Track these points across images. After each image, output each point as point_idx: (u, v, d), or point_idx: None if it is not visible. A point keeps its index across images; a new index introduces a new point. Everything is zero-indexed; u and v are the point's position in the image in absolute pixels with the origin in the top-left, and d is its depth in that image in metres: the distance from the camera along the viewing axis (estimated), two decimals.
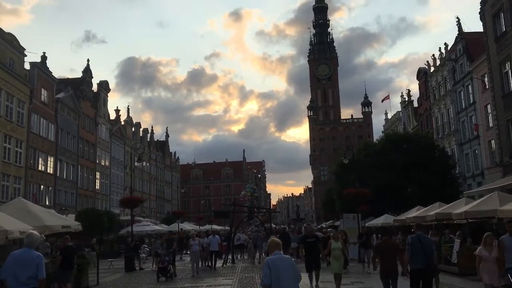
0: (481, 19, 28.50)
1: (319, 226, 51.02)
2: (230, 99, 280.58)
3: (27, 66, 33.27)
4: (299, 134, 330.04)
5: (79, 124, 41.30)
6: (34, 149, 33.22)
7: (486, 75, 30.98)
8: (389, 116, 65.56)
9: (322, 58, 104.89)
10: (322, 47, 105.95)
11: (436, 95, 43.15)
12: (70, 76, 45.49)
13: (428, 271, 8.52)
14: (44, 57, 35.31)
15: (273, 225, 38.12)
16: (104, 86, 48.63)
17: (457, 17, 38.42)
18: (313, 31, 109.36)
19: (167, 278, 16.29)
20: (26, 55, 32.59)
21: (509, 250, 8.29)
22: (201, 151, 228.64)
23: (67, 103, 39.05)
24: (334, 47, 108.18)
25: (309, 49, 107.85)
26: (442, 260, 15.25)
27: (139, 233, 32.57)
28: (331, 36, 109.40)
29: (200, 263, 19.16)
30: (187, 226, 44.67)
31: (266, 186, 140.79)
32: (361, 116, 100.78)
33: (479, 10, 28.39)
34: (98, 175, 45.43)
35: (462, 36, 37.21)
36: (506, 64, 25.99)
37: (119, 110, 53.06)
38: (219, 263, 21.12)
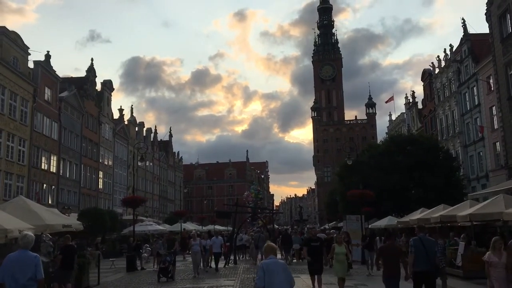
0: (487, 20, 28.32)
1: (322, 228, 50.81)
2: (234, 99, 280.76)
3: (31, 64, 33.28)
4: (303, 135, 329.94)
5: (83, 123, 41.29)
6: (37, 148, 33.21)
7: (491, 77, 30.78)
8: (393, 118, 65.39)
9: (327, 59, 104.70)
10: (327, 48, 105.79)
11: (440, 96, 42.94)
12: (75, 76, 45.48)
13: (431, 273, 8.50)
14: (48, 56, 35.33)
15: (276, 226, 38.04)
16: (107, 85, 48.63)
17: (463, 18, 38.29)
18: (318, 32, 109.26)
19: (168, 278, 16.19)
20: (30, 54, 32.59)
21: None
22: (204, 151, 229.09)
23: (71, 102, 39.04)
24: (339, 48, 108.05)
25: (313, 50, 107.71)
26: (448, 263, 15.07)
27: (142, 232, 32.51)
28: (335, 37, 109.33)
29: (201, 264, 19.04)
30: (190, 226, 44.56)
31: (269, 187, 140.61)
32: (365, 118, 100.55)
33: (485, 11, 28.22)
34: (101, 174, 45.42)
35: (468, 37, 37.01)
36: None
37: (123, 109, 53.21)
38: (220, 264, 20.93)
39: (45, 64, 34.69)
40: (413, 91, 53.72)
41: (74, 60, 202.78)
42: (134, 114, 57.95)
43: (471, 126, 36.79)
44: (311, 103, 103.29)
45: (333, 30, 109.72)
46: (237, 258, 24.86)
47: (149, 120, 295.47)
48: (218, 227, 50.19)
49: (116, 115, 51.46)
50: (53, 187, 35.60)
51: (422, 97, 50.16)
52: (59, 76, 37.35)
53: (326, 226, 53.32)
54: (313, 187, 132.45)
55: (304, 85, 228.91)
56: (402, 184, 30.72)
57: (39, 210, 12.92)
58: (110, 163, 48.19)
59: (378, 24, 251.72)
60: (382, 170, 31.54)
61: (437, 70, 43.53)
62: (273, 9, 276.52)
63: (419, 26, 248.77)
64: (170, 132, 76.50)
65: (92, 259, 16.46)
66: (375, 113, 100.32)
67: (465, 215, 15.00)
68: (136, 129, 58.51)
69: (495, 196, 16.65)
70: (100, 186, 45.19)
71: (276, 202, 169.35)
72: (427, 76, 46.84)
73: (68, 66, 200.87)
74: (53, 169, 35.62)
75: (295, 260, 24.19)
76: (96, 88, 45.96)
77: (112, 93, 50.18)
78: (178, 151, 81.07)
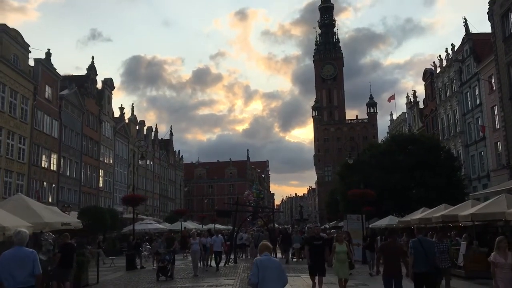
0: (489, 19, 28.20)
1: (322, 227, 50.74)
2: (235, 98, 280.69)
3: (31, 62, 33.19)
4: (304, 134, 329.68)
5: (83, 121, 41.21)
6: (38, 146, 33.14)
7: (493, 76, 30.66)
8: (394, 117, 65.26)
9: (328, 58, 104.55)
10: (328, 47, 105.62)
11: (442, 96, 42.81)
12: (75, 74, 45.42)
13: (431, 274, 8.53)
14: (48, 54, 35.23)
15: (276, 225, 38.00)
16: (108, 83, 48.54)
17: (464, 18, 38.02)
18: (319, 31, 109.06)
19: (167, 277, 16.08)
20: (30, 52, 32.53)
21: None
22: (205, 151, 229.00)
23: (71, 100, 38.96)
24: (340, 47, 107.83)
25: (315, 49, 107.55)
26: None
27: (142, 231, 32.44)
28: (336, 36, 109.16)
29: (201, 263, 18.96)
30: (190, 225, 44.51)
31: (269, 186, 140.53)
32: (366, 117, 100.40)
33: (487, 10, 28.11)
34: (101, 172, 45.34)
35: (469, 36, 36.86)
36: None
37: (123, 108, 53.04)
38: (221, 263, 20.83)
39: (45, 62, 34.60)
40: (414, 90, 53.48)
41: (75, 59, 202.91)
42: (135, 113, 57.97)
43: (472, 125, 36.67)
44: (312, 103, 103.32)
45: (334, 29, 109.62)
46: (237, 257, 24.77)
47: (150, 119, 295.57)
48: (218, 226, 50.11)
49: (116, 113, 51.43)
50: (53, 185, 35.54)
51: (424, 97, 50.09)
52: (59, 74, 37.26)
53: (327, 226, 53.23)
54: (314, 186, 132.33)
55: (305, 85, 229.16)
56: (403, 183, 30.62)
57: (38, 208, 12.82)
58: (111, 161, 48.12)
59: (379, 24, 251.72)
60: (383, 169, 31.44)
61: (438, 70, 43.40)
62: (274, 8, 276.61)
63: (420, 25, 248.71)
64: (171, 131, 76.47)
65: (91, 258, 16.34)
66: (376, 113, 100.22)
67: (467, 215, 14.90)
68: (137, 127, 58.44)
69: (496, 196, 16.54)
70: (101, 184, 45.12)
71: (277, 202, 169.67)
72: (428, 76, 46.71)
73: (69, 65, 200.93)
74: (53, 167, 35.54)
75: (295, 259, 24.11)
76: (97, 86, 45.87)
77: (113, 92, 50.10)
78: (179, 150, 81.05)
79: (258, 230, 26.85)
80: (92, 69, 44.22)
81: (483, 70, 33.67)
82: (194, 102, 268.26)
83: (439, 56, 43.01)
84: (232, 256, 23.25)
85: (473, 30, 37.19)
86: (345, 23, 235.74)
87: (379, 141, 63.32)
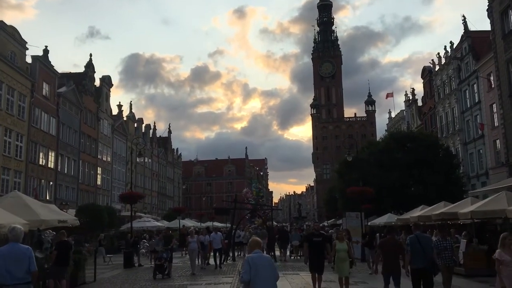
0: (488, 16, 28.10)
1: (321, 225, 50.67)
2: (233, 96, 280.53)
3: (28, 59, 32.99)
4: (302, 132, 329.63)
5: (81, 118, 41.03)
6: (35, 143, 32.97)
7: (492, 74, 30.59)
8: (393, 115, 65.20)
9: (326, 56, 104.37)
10: (326, 45, 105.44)
11: (440, 94, 42.76)
12: (73, 72, 45.11)
13: (428, 270, 8.62)
14: (46, 51, 34.98)
15: (275, 223, 37.93)
16: (106, 81, 48.34)
17: (463, 16, 38.08)
18: (317, 29, 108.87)
19: (164, 275, 15.97)
20: (27, 48, 32.27)
21: None
22: (203, 148, 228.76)
23: (69, 97, 38.78)
24: (338, 45, 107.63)
25: (313, 47, 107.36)
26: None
27: (140, 229, 32.32)
28: (335, 34, 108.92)
29: (199, 261, 18.82)
30: (189, 222, 44.43)
31: (268, 184, 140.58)
32: (365, 115, 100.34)
33: (487, 7, 27.99)
34: (99, 170, 45.19)
35: (468, 34, 36.79)
36: None
37: (122, 105, 52.85)
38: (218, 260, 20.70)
39: (43, 59, 34.39)
40: (413, 88, 53.64)
41: (73, 57, 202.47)
42: (133, 111, 57.74)
43: (471, 123, 36.62)
44: (310, 101, 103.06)
45: (333, 28, 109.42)
46: (236, 255, 24.68)
47: (148, 117, 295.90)
48: (216, 223, 49.96)
49: (115, 111, 51.25)
50: (51, 183, 35.39)
51: (422, 95, 50.00)
52: (57, 71, 37.03)
53: (325, 223, 53.23)
54: (312, 184, 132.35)
55: (303, 83, 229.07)
56: (401, 181, 30.60)
57: (34, 205, 12.70)
58: (109, 159, 47.97)
59: (378, 22, 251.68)
60: (382, 167, 31.41)
61: (437, 68, 43.32)
62: (273, 6, 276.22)
63: (418, 24, 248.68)
64: (169, 128, 76.28)
65: (88, 255, 16.23)
66: (374, 111, 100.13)
67: (467, 212, 14.81)
68: (135, 125, 58.25)
69: (495, 193, 16.47)
70: (99, 182, 44.97)
71: (275, 199, 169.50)
72: (427, 74, 46.63)
73: (67, 63, 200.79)
74: (51, 164, 35.38)
75: (293, 257, 24.03)
76: (95, 84, 45.67)
77: (112, 90, 49.91)
78: (177, 148, 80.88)
79: (255, 228, 26.76)
80: (90, 66, 44.01)
81: (482, 67, 33.60)
82: (192, 100, 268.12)
83: (438, 54, 42.99)
84: (230, 254, 23.16)
85: (471, 28, 37.17)
86: (344, 21, 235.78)
87: (378, 139, 63.33)
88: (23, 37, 31.60)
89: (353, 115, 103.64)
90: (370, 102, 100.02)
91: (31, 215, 11.71)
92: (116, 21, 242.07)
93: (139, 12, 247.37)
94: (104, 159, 46.77)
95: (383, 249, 9.54)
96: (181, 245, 27.23)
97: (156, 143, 65.63)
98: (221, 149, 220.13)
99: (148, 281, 15.34)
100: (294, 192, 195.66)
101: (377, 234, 20.45)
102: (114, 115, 50.55)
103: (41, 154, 33.93)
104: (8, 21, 30.82)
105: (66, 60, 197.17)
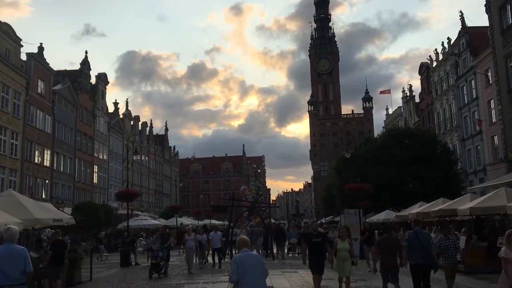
0: (486, 11, 27.93)
1: (319, 222, 50.58)
2: (230, 93, 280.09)
3: (23, 57, 32.70)
4: (299, 129, 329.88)
5: (77, 116, 40.75)
6: (31, 142, 32.71)
7: (490, 70, 30.48)
8: (390, 112, 65.11)
9: (323, 52, 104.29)
10: (323, 42, 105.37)
11: (438, 90, 42.66)
12: (69, 69, 44.81)
13: (427, 266, 8.66)
14: (41, 48, 34.69)
15: (273, 220, 37.78)
16: (102, 78, 48.04)
17: (461, 11, 37.85)
18: (314, 25, 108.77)
19: (160, 274, 15.76)
20: (22, 46, 32.01)
21: None
22: (201, 146, 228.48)
23: (65, 95, 38.49)
24: (335, 42, 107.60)
25: (310, 44, 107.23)
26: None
27: (137, 227, 32.12)
28: (332, 31, 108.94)
29: (196, 260, 18.62)
30: (186, 220, 44.26)
31: (265, 181, 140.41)
32: (362, 112, 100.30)
33: (485, 2, 27.82)
34: (95, 168, 44.94)
35: (466, 30, 36.65)
36: None
37: (118, 103, 52.58)
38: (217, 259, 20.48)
39: (38, 57, 34.10)
40: (410, 84, 53.73)
41: (69, 54, 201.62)
42: (129, 108, 57.53)
43: (468, 119, 36.54)
44: (307, 97, 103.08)
45: (330, 24, 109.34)
46: (233, 253, 24.48)
47: (145, 114, 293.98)
48: (214, 221, 49.80)
49: (111, 109, 50.95)
50: (47, 181, 35.14)
51: (419, 91, 49.93)
52: (52, 69, 36.74)
53: (323, 220, 53.08)
54: (310, 181, 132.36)
55: (300, 79, 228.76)
56: (399, 178, 30.51)
57: (28, 204, 12.51)
58: (105, 157, 47.70)
59: (375, 18, 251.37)
60: (380, 164, 31.31)
61: (434, 64, 43.20)
62: (270, 3, 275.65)
63: (415, 20, 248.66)
64: (166, 126, 76.05)
65: (84, 255, 16.02)
66: (372, 107, 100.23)
67: (466, 209, 14.68)
68: (132, 123, 58.00)
69: (494, 190, 16.37)
70: (95, 180, 44.73)
71: (273, 197, 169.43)
72: (424, 70, 46.53)
73: (63, 60, 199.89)
74: (46, 163, 35.13)
75: (290, 255, 23.87)
76: (91, 81, 45.37)
77: (108, 88, 49.70)
78: (174, 146, 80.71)
79: (252, 226, 26.56)
80: (85, 63, 43.71)
81: (480, 63, 33.49)
82: (189, 97, 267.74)
83: (435, 50, 42.85)
84: (228, 252, 22.97)
85: (469, 24, 37.05)
86: (341, 18, 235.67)
87: (375, 135, 63.23)
88: (18, 34, 31.35)
89: (351, 112, 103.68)
90: (367, 98, 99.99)
91: (26, 214, 11.54)
92: (112, 18, 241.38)
93: (135, 9, 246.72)
94: (100, 157, 46.51)
95: (380, 248, 9.63)
96: (179, 243, 27.05)
97: (153, 140, 65.38)
98: (218, 147, 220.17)
99: (144, 280, 15.16)
100: (292, 189, 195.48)
101: (376, 231, 20.28)
102: (110, 113, 50.30)
103: (36, 152, 33.68)
104: (3, 19, 30.57)
105: (62, 58, 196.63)
